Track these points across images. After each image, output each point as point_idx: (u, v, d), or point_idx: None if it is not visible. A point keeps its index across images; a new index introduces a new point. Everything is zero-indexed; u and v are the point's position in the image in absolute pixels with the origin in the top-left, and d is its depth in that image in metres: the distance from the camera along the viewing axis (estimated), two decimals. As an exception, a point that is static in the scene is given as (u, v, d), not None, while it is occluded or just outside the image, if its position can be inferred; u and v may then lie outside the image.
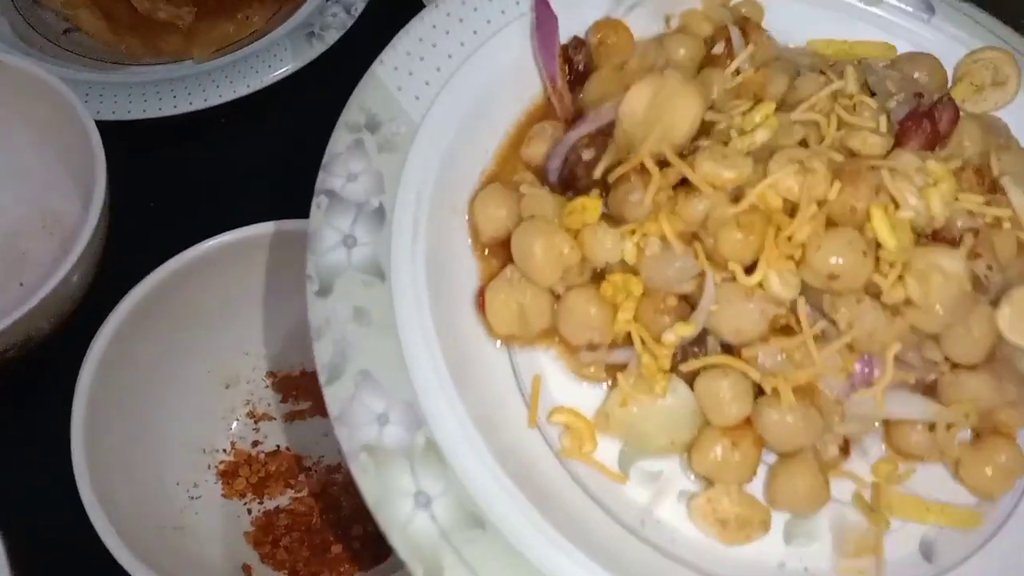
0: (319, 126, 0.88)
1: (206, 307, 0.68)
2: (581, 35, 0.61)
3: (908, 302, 0.49)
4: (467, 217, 0.55)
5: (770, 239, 0.49)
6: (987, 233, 0.50)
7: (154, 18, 0.87)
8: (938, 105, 0.55)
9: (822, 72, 0.56)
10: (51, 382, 0.66)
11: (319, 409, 0.70)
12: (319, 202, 0.51)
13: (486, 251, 0.55)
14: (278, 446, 0.70)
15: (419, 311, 0.49)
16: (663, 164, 0.53)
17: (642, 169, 0.52)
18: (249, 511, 0.67)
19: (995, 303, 0.51)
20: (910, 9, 0.65)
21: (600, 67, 0.60)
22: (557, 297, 0.52)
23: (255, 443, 0.70)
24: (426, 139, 0.54)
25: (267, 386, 0.72)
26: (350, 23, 0.88)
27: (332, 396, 0.46)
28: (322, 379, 0.46)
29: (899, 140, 0.54)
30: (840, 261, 0.48)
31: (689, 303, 0.52)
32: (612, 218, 0.53)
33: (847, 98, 0.55)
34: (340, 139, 0.53)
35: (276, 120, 0.89)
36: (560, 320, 0.52)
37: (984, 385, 0.50)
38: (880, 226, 0.48)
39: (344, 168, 0.52)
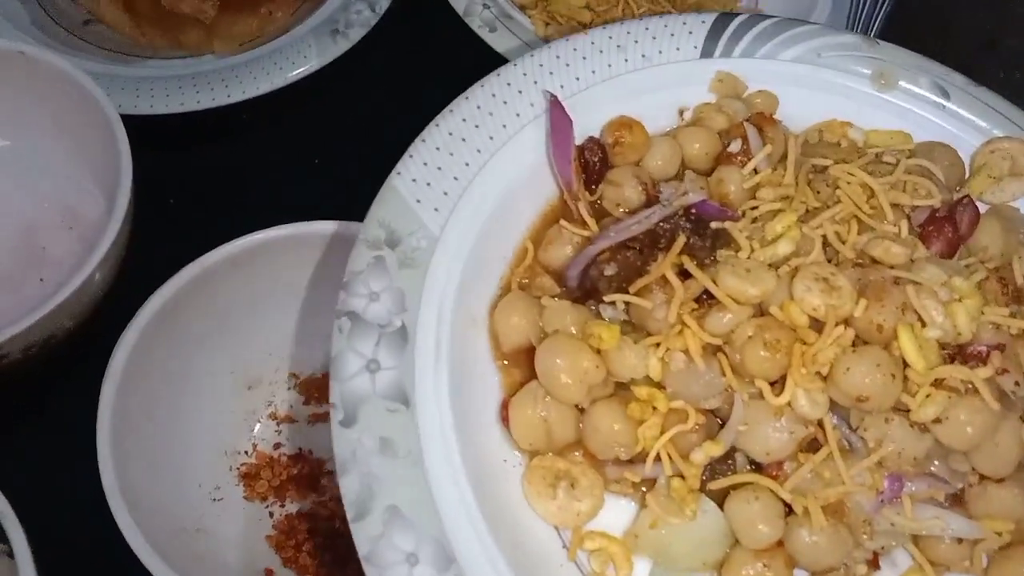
0: (341, 125, 0.87)
1: (229, 308, 0.68)
2: (595, 134, 0.60)
3: (937, 420, 0.48)
4: (487, 326, 0.55)
5: (796, 357, 0.49)
6: (1013, 346, 0.50)
7: (176, 11, 0.85)
8: (958, 207, 0.55)
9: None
10: (73, 381, 0.65)
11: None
12: (341, 325, 0.50)
13: (506, 361, 0.55)
14: (300, 449, 0.70)
15: (444, 438, 0.49)
16: (685, 275, 0.52)
17: (664, 281, 0.52)
18: (271, 514, 0.67)
19: (1023, 417, 0.50)
20: (925, 95, 0.64)
21: (616, 165, 0.59)
22: (582, 410, 0.52)
23: (277, 445, 0.70)
24: (446, 251, 0.54)
25: (289, 388, 0.72)
26: (375, 20, 0.87)
27: (360, 535, 0.46)
28: (350, 516, 0.46)
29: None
30: (869, 383, 0.48)
31: (717, 417, 0.52)
32: (635, 327, 0.53)
33: (866, 199, 0.55)
34: (360, 257, 0.52)
35: (298, 118, 0.88)
36: (585, 435, 0.52)
37: (1013, 499, 0.50)
38: (908, 347, 0.48)
39: (366, 287, 0.52)
